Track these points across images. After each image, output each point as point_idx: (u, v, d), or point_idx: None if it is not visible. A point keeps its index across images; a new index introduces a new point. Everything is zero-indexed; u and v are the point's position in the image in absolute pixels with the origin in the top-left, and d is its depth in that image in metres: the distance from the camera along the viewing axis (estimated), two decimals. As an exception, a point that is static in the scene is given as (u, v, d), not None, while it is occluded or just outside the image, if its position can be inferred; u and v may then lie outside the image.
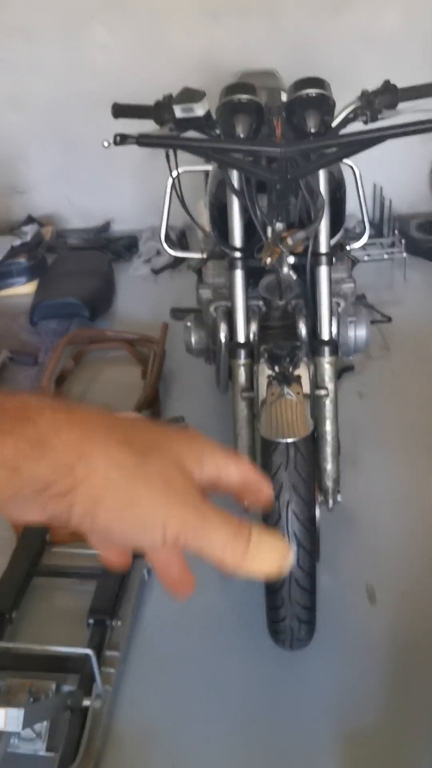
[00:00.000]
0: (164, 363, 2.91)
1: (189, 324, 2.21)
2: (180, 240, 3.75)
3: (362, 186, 2.40)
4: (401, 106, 1.69)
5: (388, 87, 1.67)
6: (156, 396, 2.74)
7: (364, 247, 3.60)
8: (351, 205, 2.42)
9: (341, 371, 2.80)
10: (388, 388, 2.75)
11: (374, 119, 1.66)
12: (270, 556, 0.43)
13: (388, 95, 1.65)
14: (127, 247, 3.90)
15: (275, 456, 1.51)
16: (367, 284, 3.41)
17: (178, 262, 3.62)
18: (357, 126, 1.69)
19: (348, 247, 2.40)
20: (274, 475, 1.50)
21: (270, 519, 1.50)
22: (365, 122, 1.67)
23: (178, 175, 1.82)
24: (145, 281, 3.67)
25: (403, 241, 3.50)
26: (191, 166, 2.17)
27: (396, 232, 3.57)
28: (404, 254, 3.47)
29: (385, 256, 3.53)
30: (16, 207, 3.95)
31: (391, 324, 3.08)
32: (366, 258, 3.52)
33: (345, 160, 2.35)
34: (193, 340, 2.19)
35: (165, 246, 2.38)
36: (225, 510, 0.43)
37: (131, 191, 3.92)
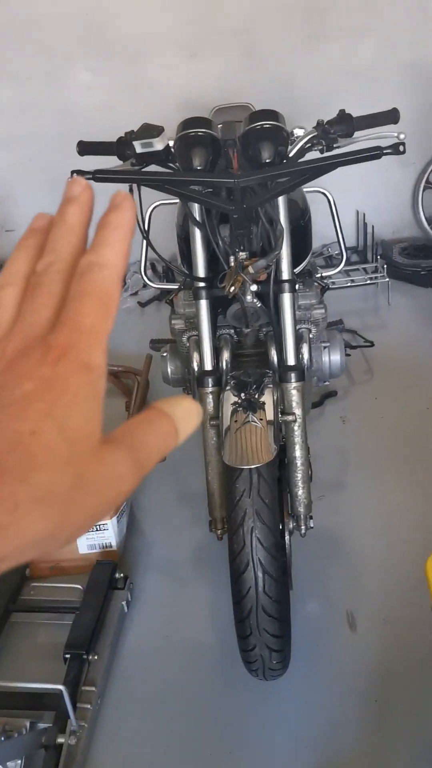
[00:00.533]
0: (148, 394, 2.93)
1: (165, 354, 2.23)
2: (166, 272, 3.79)
3: (337, 213, 2.43)
4: (359, 133, 1.72)
5: (343, 116, 1.70)
6: (140, 427, 2.75)
7: (348, 273, 3.65)
8: (331, 232, 2.46)
9: (324, 397, 2.81)
10: (372, 413, 2.74)
11: (330, 148, 1.68)
12: (190, 420, 0.40)
13: (344, 124, 1.68)
14: (115, 280, 3.94)
15: (238, 482, 1.51)
16: (351, 309, 3.44)
17: (164, 294, 3.66)
18: (316, 154, 1.72)
19: (323, 274, 2.42)
20: (237, 502, 1.50)
21: (234, 546, 1.50)
22: (322, 151, 1.70)
23: (141, 209, 1.84)
24: (131, 314, 3.70)
25: (385, 266, 3.53)
26: (167, 199, 2.20)
27: (379, 257, 3.60)
28: (387, 279, 3.49)
29: (369, 281, 3.56)
30: (5, 245, 4.01)
31: (374, 348, 3.09)
32: (349, 284, 3.55)
33: (318, 188, 2.39)
34: (169, 370, 2.21)
35: (144, 278, 2.41)
36: (142, 417, 0.38)
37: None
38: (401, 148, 1.52)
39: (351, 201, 3.81)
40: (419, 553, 1.77)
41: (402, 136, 1.62)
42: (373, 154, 1.50)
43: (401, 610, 1.92)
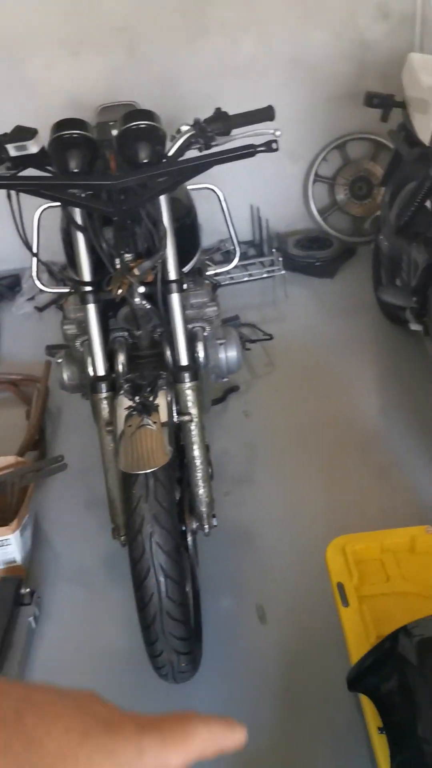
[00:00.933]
0: (49, 401, 2.86)
1: (60, 361, 2.18)
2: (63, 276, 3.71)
3: (228, 208, 2.44)
4: (238, 130, 1.73)
5: (219, 114, 1.69)
6: (41, 436, 2.69)
7: (245, 267, 3.68)
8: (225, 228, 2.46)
9: (226, 392, 2.83)
10: (274, 405, 2.78)
11: (209, 146, 1.68)
12: (222, 743, 0.42)
13: (220, 122, 1.67)
14: (11, 286, 3.83)
15: (135, 488, 1.49)
16: (250, 303, 3.48)
17: (62, 297, 3.58)
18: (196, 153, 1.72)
19: (217, 270, 2.42)
20: (135, 508, 1.48)
21: (134, 553, 1.48)
22: (201, 149, 1.69)
23: (20, 215, 1.79)
24: (29, 319, 3.60)
25: (281, 258, 3.58)
26: (54, 202, 2.15)
27: (274, 250, 3.64)
28: (283, 272, 3.54)
29: (266, 275, 3.60)
30: None
31: (274, 341, 3.13)
32: (247, 278, 3.59)
33: (206, 185, 2.40)
34: (65, 376, 2.16)
35: (37, 282, 2.36)
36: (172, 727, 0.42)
37: (9, 230, 3.85)
38: (274, 145, 1.54)
39: (245, 196, 3.84)
40: (321, 540, 1.81)
41: (278, 133, 1.64)
42: (246, 152, 1.51)
43: (307, 597, 1.95)
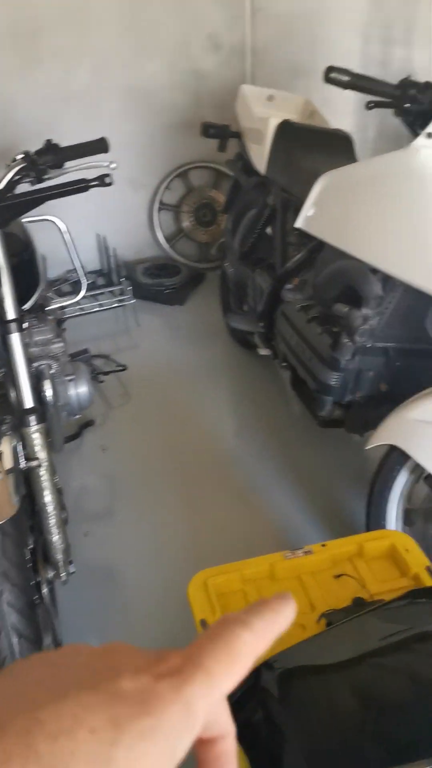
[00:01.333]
0: None
1: None
2: None
3: (71, 239, 2.38)
4: (72, 163, 1.68)
5: (50, 146, 1.64)
6: None
7: (96, 297, 3.62)
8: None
9: (82, 427, 2.75)
10: (131, 436, 2.73)
11: (41, 180, 1.62)
12: (277, 624, 0.36)
13: (51, 155, 1.62)
14: None
15: (-20, 545, 1.39)
16: (102, 334, 3.43)
17: None
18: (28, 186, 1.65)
19: (63, 304, 2.35)
20: (-20, 568, 1.38)
21: (-17, 616, 1.38)
22: (32, 183, 1.63)
23: None
24: None
25: (131, 287, 3.56)
26: None
27: (123, 279, 3.62)
28: (134, 300, 3.52)
29: (116, 304, 3.56)
30: None
31: (128, 371, 3.09)
32: (98, 308, 3.53)
33: (45, 216, 2.32)
34: None
35: None
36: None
37: None
38: (107, 179, 1.51)
39: (90, 225, 3.79)
40: (185, 572, 1.77)
41: (113, 166, 1.61)
42: (79, 187, 1.47)
43: (173, 635, 1.90)
